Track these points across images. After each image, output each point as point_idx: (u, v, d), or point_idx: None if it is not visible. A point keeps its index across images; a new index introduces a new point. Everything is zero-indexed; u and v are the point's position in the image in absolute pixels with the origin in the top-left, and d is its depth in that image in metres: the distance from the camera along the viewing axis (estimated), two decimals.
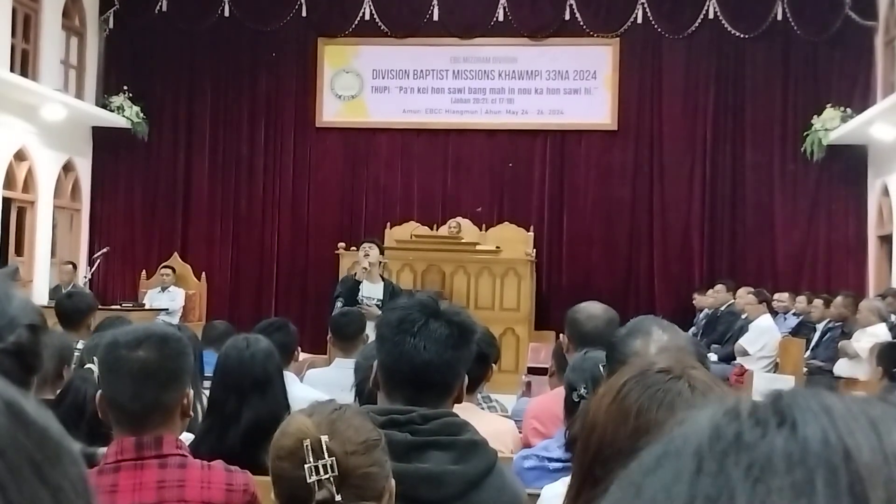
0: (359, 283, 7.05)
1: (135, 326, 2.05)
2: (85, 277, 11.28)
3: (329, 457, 1.36)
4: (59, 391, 2.76)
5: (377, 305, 6.79)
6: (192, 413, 2.05)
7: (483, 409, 3.90)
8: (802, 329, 9.59)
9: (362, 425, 1.46)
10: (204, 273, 12.09)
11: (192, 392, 2.02)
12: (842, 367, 8.55)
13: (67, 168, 12.42)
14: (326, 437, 1.38)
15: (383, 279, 7.42)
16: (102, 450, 2.09)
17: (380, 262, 7.48)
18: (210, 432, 2.71)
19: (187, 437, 2.73)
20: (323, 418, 1.44)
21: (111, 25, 12.89)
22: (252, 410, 2.72)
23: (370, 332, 5.86)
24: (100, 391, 1.96)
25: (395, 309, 2.02)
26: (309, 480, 1.37)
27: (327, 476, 1.36)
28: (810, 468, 0.38)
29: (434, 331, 1.92)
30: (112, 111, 12.49)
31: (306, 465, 1.38)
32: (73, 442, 0.48)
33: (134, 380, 1.90)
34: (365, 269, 7.08)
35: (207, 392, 3.09)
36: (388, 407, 1.92)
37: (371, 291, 7.05)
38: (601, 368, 2.01)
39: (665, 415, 1.12)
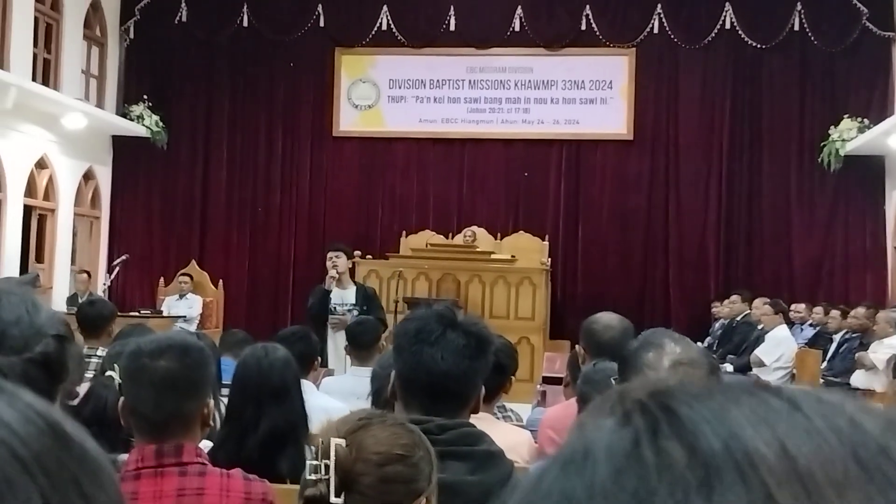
0: (328, 292, 7.05)
1: (157, 336, 2.08)
2: (104, 285, 11.37)
3: (333, 459, 1.38)
4: (77, 399, 2.79)
5: (349, 310, 6.84)
6: (211, 423, 2.07)
7: (498, 418, 3.92)
8: (819, 340, 9.54)
9: (389, 438, 1.45)
10: (221, 281, 12.15)
11: (212, 402, 2.05)
12: (858, 379, 8.50)
13: (88, 176, 12.54)
14: (343, 441, 1.39)
15: (355, 283, 7.45)
16: (123, 457, 2.12)
17: (349, 269, 7.56)
18: (228, 440, 2.74)
19: (206, 445, 2.76)
20: (350, 423, 1.46)
21: (132, 35, 13.01)
22: (270, 419, 2.74)
23: (338, 342, 5.91)
24: (122, 399, 2.00)
25: (412, 319, 2.04)
26: (307, 476, 1.40)
27: (326, 476, 1.38)
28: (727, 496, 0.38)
29: (451, 341, 1.94)
30: (132, 120, 12.59)
31: (308, 462, 1.40)
32: (109, 460, 0.51)
33: (156, 389, 1.93)
34: (333, 278, 7.07)
35: (225, 399, 3.12)
36: (405, 417, 1.94)
37: (343, 297, 7.06)
38: (613, 382, 2.02)
39: None
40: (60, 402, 2.78)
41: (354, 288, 7.24)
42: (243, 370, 2.86)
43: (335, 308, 6.95)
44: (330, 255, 7.30)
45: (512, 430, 3.30)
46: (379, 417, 1.50)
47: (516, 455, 3.08)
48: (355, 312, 6.77)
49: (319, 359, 4.40)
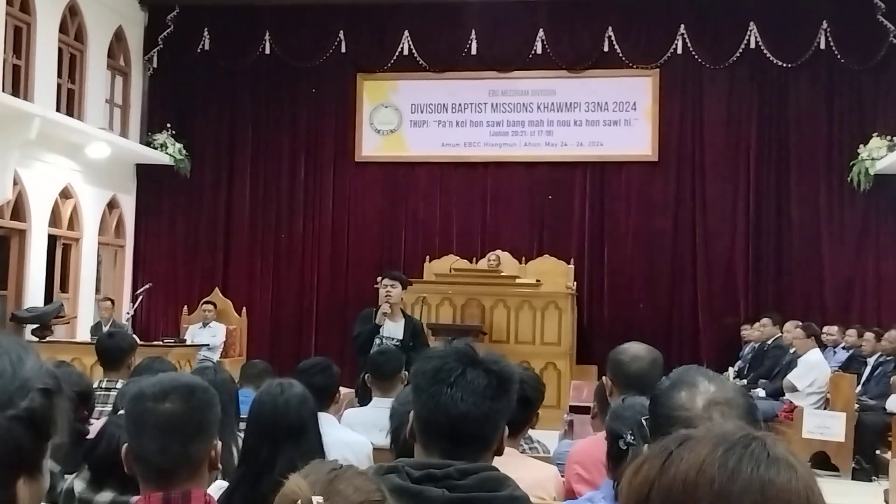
0: (378, 327, 6.52)
1: (160, 377, 1.99)
2: (128, 313, 11.36)
3: None
4: (89, 437, 2.71)
5: (397, 345, 6.29)
6: (220, 465, 1.98)
7: (525, 449, 3.80)
8: (853, 364, 9.33)
9: (362, 485, 1.42)
10: (245, 308, 12.13)
11: (220, 444, 1.96)
12: (894, 403, 8.30)
13: (112, 205, 12.59)
14: (321, 497, 1.34)
15: (405, 315, 6.88)
16: (135, 499, 2.04)
17: (402, 299, 6.95)
18: (243, 481, 2.65)
19: (221, 486, 2.67)
20: (319, 478, 1.41)
21: (155, 64, 13.11)
22: (286, 458, 2.65)
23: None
24: (126, 444, 1.91)
25: (430, 358, 1.94)
26: None
27: None
28: None
29: (472, 381, 1.85)
30: (155, 149, 12.66)
31: None
32: None
33: (161, 433, 1.84)
34: (385, 313, 6.54)
35: (243, 434, 3.03)
36: (424, 461, 1.84)
37: (391, 331, 6.57)
38: (644, 422, 1.90)
39: (716, 491, 1.00)
40: (70, 443, 2.71)
41: (404, 321, 6.70)
42: (258, 408, 2.77)
43: (382, 341, 6.42)
44: (385, 283, 6.72)
45: (538, 466, 3.19)
46: (341, 469, 1.47)
47: (543, 491, 2.97)
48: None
49: (341, 393, 4.26)
